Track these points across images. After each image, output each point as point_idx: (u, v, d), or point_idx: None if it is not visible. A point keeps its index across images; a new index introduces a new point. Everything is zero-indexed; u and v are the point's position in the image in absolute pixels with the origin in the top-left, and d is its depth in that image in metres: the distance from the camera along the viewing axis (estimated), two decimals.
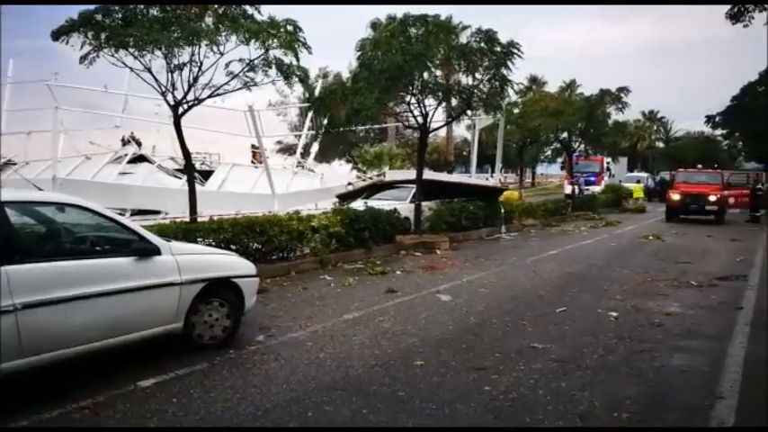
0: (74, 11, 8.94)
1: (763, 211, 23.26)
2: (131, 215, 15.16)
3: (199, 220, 9.88)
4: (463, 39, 13.70)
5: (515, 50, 12.73)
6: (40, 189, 13.54)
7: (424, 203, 14.10)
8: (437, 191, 15.42)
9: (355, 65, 13.61)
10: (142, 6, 9.16)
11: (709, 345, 5.98)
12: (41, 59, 58.79)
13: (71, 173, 19.34)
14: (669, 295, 8.39)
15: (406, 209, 14.01)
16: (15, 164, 20.37)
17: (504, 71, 12.83)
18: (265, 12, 9.65)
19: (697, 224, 20.68)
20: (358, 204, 13.55)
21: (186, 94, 9.71)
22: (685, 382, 4.86)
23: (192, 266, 5.35)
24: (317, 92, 16.58)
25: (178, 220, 9.69)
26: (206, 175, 21.33)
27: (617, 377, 4.96)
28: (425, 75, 12.78)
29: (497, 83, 13.05)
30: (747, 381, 4.87)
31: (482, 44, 12.62)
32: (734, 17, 15.95)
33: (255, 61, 9.63)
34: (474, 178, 24.93)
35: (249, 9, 9.53)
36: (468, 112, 15.57)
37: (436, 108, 14.00)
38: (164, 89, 9.68)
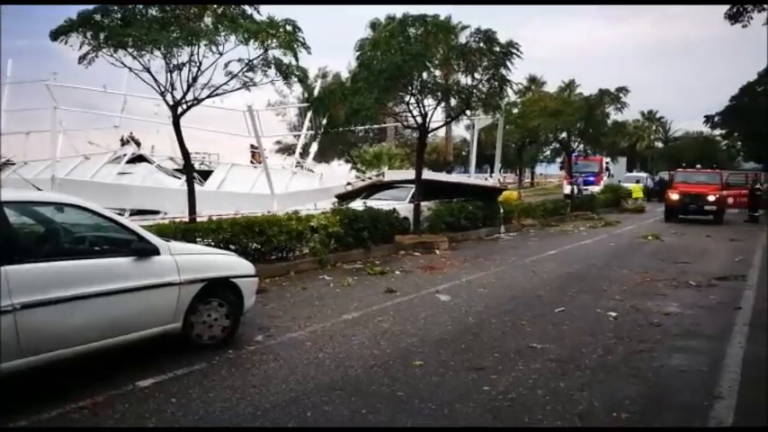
0: (74, 11, 8.95)
1: (762, 211, 23.28)
2: (130, 215, 15.15)
3: (198, 220, 9.88)
4: (462, 39, 13.68)
5: (514, 50, 12.74)
6: (39, 189, 13.54)
7: (423, 203, 14.11)
8: (436, 191, 15.42)
9: (354, 65, 13.63)
10: (141, 6, 9.16)
11: (707, 345, 5.98)
12: (41, 59, 58.88)
13: (70, 173, 19.35)
14: (668, 295, 8.40)
15: (405, 209, 14.01)
16: (14, 164, 20.36)
17: (504, 71, 12.85)
18: (264, 12, 9.68)
19: (696, 224, 20.70)
20: (357, 204, 13.55)
21: (185, 94, 9.71)
22: (684, 382, 4.86)
23: (191, 266, 5.35)
24: (316, 92, 16.58)
25: (177, 220, 9.68)
26: (205, 175, 21.33)
27: (616, 377, 4.96)
28: (424, 75, 12.79)
29: (496, 83, 13.05)
30: (746, 381, 4.88)
31: (481, 44, 12.63)
32: (733, 17, 15.98)
33: (254, 61, 9.64)
34: (473, 178, 24.98)
35: (248, 9, 9.54)
36: (468, 112, 15.58)
37: (435, 108, 14.02)
38: (163, 89, 9.68)
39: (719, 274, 10.04)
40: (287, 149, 42.98)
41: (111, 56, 9.20)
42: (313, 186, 21.24)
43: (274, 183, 18.91)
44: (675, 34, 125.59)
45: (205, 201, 13.26)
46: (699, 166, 26.13)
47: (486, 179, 29.84)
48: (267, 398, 4.38)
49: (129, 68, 9.74)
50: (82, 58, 9.10)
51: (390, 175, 18.59)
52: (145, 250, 4.99)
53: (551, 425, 4.00)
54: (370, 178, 19.98)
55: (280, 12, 9.75)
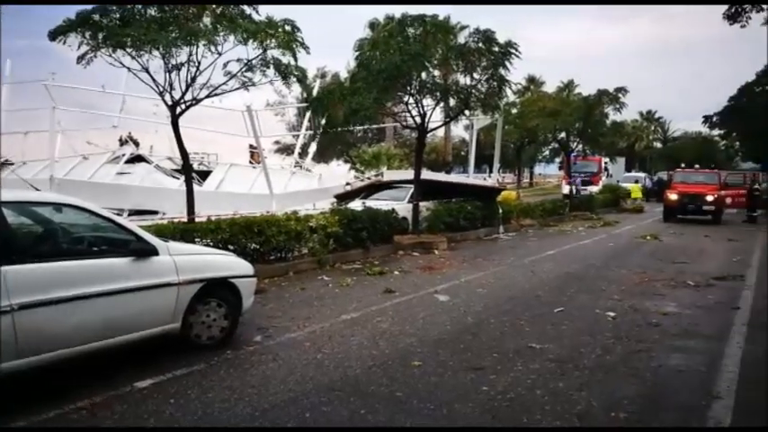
0: (74, 11, 8.94)
1: (760, 211, 23.31)
2: (129, 215, 15.13)
3: (197, 220, 9.87)
4: (461, 39, 13.69)
5: (513, 50, 12.76)
6: (38, 189, 13.50)
7: (422, 203, 14.11)
8: (435, 191, 15.43)
9: (353, 65, 13.63)
10: (140, 6, 9.16)
11: (706, 345, 5.99)
12: (41, 59, 58.86)
13: (68, 173, 19.32)
14: (666, 295, 8.41)
15: (404, 209, 14.02)
16: (13, 164, 20.32)
17: (502, 71, 12.86)
18: (263, 12, 9.68)
19: (694, 224, 20.72)
20: (356, 204, 13.56)
21: (184, 94, 9.71)
22: (682, 382, 4.87)
23: (190, 267, 5.35)
24: (315, 92, 16.61)
25: (176, 220, 9.68)
26: (204, 175, 21.33)
27: (614, 377, 4.96)
28: (423, 75, 12.80)
29: (495, 83, 13.07)
30: (744, 380, 4.88)
31: (480, 44, 12.65)
32: (731, 17, 15.98)
33: (253, 61, 9.64)
34: (472, 178, 24.99)
35: (247, 9, 9.53)
36: (466, 113, 15.58)
37: (434, 108, 14.02)
38: (161, 89, 9.67)
39: (718, 274, 10.06)
40: (286, 149, 42.97)
41: (110, 56, 9.20)
42: (312, 186, 21.24)
43: (273, 183, 18.92)
44: (675, 34, 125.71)
45: (204, 201, 13.26)
46: (697, 166, 26.16)
47: (484, 179, 29.87)
48: (266, 398, 4.37)
49: (128, 68, 9.73)
50: (80, 58, 9.09)
51: (389, 175, 18.60)
52: (143, 250, 4.99)
53: (550, 425, 4.00)
54: (368, 178, 19.99)
55: (278, 12, 9.77)
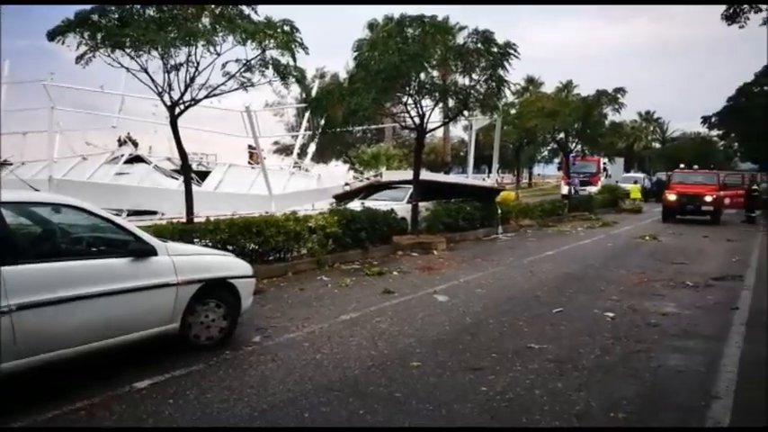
0: (73, 11, 8.93)
1: (759, 211, 23.36)
2: (128, 216, 15.12)
3: (195, 220, 9.87)
4: (460, 39, 13.67)
5: (512, 51, 12.76)
6: (36, 190, 13.47)
7: (421, 204, 14.11)
8: (434, 191, 15.43)
9: (352, 65, 13.63)
10: (138, 6, 9.15)
11: (705, 345, 6.00)
12: (40, 59, 58.68)
13: (67, 173, 19.29)
14: (665, 295, 8.41)
15: (403, 209, 14.02)
16: (11, 164, 20.28)
17: (501, 72, 12.85)
18: (262, 12, 9.68)
19: (693, 224, 20.74)
20: (355, 205, 13.55)
21: (183, 94, 9.70)
22: (681, 383, 4.87)
23: (189, 267, 5.34)
24: (313, 92, 16.60)
25: (175, 220, 9.68)
26: (203, 175, 21.30)
27: (613, 377, 4.97)
28: (422, 75, 12.79)
29: (494, 83, 13.06)
30: (743, 381, 4.89)
31: (479, 45, 12.64)
32: (729, 18, 15.98)
33: (252, 62, 9.63)
34: (471, 179, 24.97)
35: (246, 9, 9.53)
36: (465, 113, 15.57)
37: (433, 108, 14.01)
38: (160, 89, 9.66)
39: (717, 275, 10.06)
40: (285, 150, 42.92)
41: (109, 56, 9.19)
42: (311, 187, 21.23)
43: (272, 183, 18.90)
44: (674, 34, 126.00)
45: (203, 201, 13.23)
46: (696, 166, 26.21)
47: (483, 179, 29.84)
48: (265, 398, 4.37)
49: (127, 69, 9.71)
50: (79, 59, 9.08)
51: (388, 175, 18.58)
52: (142, 251, 4.98)
53: (549, 425, 4.01)
54: (367, 179, 19.97)
55: (277, 12, 9.76)
